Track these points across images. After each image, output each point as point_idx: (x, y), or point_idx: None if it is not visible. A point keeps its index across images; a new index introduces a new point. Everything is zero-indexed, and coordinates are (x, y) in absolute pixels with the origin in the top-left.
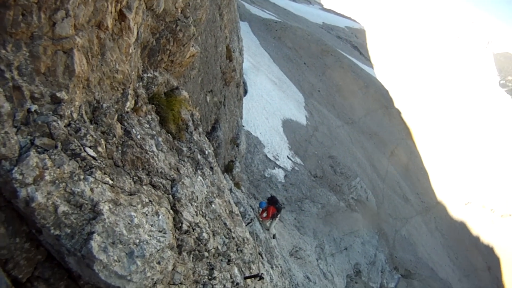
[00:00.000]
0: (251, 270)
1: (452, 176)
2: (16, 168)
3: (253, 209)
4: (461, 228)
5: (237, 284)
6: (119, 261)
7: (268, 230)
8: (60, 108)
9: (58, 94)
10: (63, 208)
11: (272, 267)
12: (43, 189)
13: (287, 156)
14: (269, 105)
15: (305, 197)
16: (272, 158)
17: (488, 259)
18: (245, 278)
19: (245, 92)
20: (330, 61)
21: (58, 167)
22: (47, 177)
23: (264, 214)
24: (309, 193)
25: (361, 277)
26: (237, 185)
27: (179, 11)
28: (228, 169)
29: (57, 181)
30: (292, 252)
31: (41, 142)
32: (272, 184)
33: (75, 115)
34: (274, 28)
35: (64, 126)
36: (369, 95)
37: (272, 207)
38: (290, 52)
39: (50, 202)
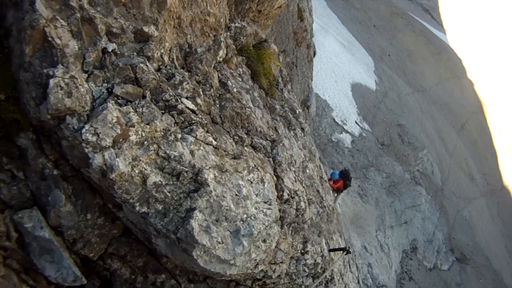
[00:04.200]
0: (332, 241)
1: None
2: (87, 126)
3: None
4: None
5: (325, 257)
6: (223, 243)
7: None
8: (148, 48)
9: (145, 29)
10: (154, 178)
11: (340, 236)
12: (127, 154)
13: (355, 122)
14: (338, 68)
15: (371, 164)
16: (340, 123)
17: None
18: (330, 250)
19: (314, 54)
20: (400, 24)
21: (148, 124)
22: (133, 137)
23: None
24: (375, 161)
25: (416, 254)
26: None
27: None
28: None
29: (146, 143)
30: (353, 220)
31: (122, 90)
32: (338, 149)
33: (166, 59)
34: None
35: (154, 71)
36: (441, 63)
37: (342, 181)
38: (358, 13)
39: (137, 171)
